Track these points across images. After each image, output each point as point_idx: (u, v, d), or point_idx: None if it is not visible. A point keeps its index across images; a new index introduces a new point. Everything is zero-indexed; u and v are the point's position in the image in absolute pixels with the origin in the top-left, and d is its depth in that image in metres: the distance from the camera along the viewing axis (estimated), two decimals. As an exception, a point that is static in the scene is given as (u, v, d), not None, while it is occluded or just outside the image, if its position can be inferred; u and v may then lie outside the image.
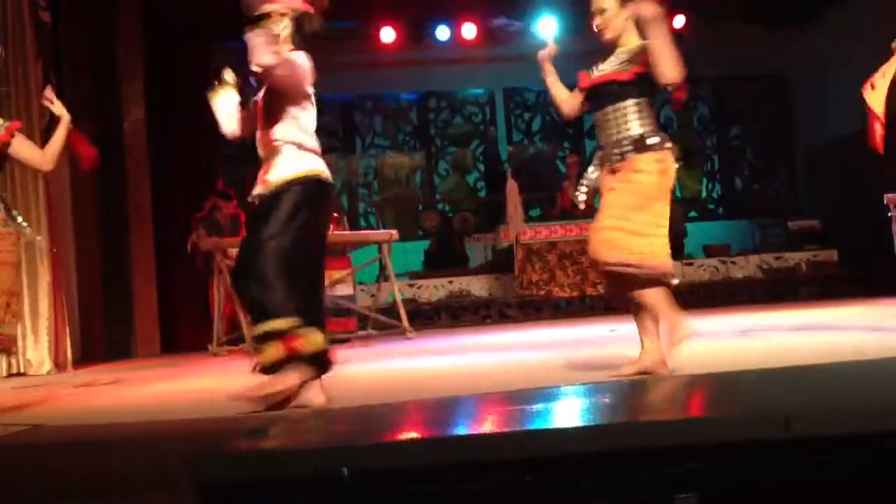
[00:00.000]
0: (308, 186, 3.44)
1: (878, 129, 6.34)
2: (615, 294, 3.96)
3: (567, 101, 3.93)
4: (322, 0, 3.74)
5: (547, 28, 10.34)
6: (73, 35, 7.69)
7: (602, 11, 3.70)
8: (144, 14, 8.77)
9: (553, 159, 12.56)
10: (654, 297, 3.60)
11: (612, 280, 3.71)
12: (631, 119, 3.61)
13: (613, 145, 3.64)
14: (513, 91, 12.56)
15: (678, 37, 3.78)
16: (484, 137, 12.51)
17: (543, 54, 3.93)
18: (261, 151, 3.58)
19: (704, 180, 12.90)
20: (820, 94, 11.48)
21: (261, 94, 3.59)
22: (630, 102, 3.62)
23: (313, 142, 3.54)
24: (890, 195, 7.92)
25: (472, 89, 12.59)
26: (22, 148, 4.13)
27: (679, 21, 10.71)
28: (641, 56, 3.58)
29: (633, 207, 3.56)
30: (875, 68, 10.21)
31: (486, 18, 11.22)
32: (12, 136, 4.06)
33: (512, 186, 9.64)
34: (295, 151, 3.47)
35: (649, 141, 3.60)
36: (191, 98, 9.31)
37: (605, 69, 3.70)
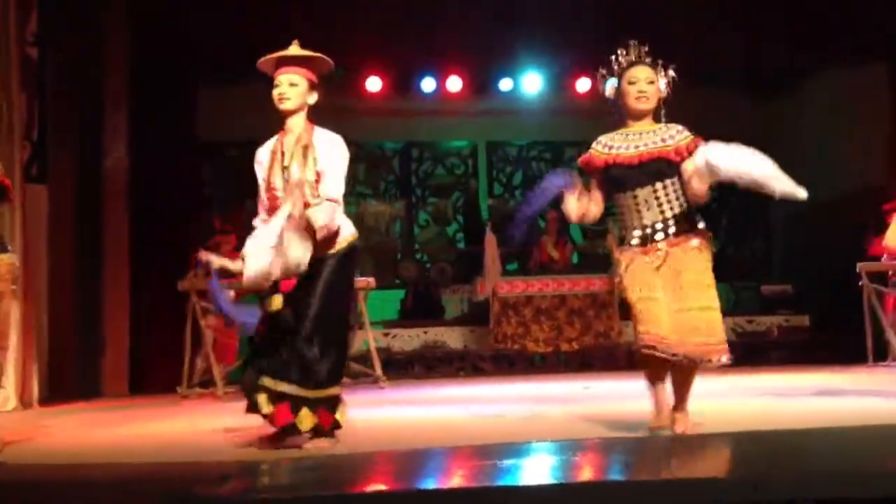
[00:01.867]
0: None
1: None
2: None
3: (595, 202, 3.84)
4: (327, 63, 3.88)
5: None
6: (59, 71, 7.70)
7: (651, 83, 3.87)
8: (131, 51, 8.81)
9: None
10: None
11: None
12: (680, 196, 3.74)
13: (663, 222, 3.73)
14: (495, 145, 12.65)
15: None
16: (465, 189, 12.57)
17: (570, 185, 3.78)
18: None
19: (681, 242, 13.00)
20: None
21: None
22: (676, 179, 3.74)
23: None
24: (862, 263, 8.03)
25: (455, 141, 12.68)
26: None
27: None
28: (679, 147, 3.79)
29: (712, 286, 3.77)
30: (849, 138, 10.43)
31: (471, 72, 11.35)
32: None
33: (490, 239, 9.67)
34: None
35: (699, 223, 3.80)
36: (174, 136, 9.39)
37: (648, 146, 3.77)
